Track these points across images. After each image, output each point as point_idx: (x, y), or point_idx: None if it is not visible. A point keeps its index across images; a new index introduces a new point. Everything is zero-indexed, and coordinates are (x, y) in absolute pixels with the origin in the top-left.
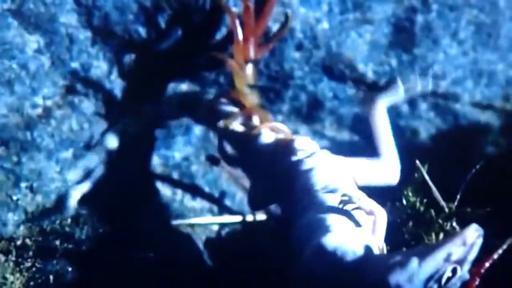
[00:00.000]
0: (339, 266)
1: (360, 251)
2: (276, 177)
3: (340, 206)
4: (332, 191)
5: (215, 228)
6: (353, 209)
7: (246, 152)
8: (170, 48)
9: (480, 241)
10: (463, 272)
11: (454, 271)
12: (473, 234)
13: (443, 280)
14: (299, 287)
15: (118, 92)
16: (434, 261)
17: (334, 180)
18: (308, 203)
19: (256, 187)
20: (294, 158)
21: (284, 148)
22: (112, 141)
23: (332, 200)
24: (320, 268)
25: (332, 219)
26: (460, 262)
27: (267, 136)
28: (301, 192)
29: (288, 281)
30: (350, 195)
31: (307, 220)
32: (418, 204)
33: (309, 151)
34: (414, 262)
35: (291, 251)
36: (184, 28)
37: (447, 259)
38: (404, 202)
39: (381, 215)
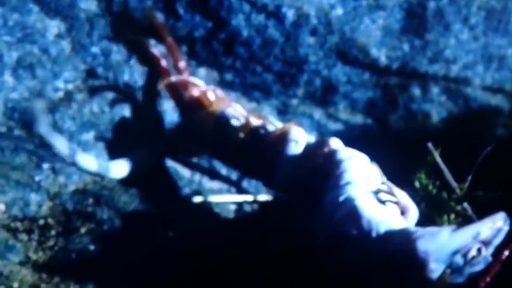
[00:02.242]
0: (371, 231)
1: (393, 225)
2: (310, 166)
3: (377, 193)
4: (369, 179)
5: (233, 207)
6: (389, 200)
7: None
8: (188, 34)
9: (506, 228)
10: (487, 254)
11: (479, 250)
12: (501, 220)
13: (469, 257)
14: (325, 245)
15: (137, 76)
16: (464, 236)
17: (372, 174)
18: (345, 182)
19: (285, 172)
20: (335, 147)
21: (322, 142)
22: (132, 124)
23: (369, 185)
24: (352, 229)
25: (367, 196)
26: (487, 243)
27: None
28: (338, 176)
29: (313, 240)
30: (391, 186)
31: (343, 192)
32: (430, 187)
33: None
34: (445, 233)
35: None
36: (201, 14)
37: (475, 237)
38: (417, 184)
39: (413, 213)
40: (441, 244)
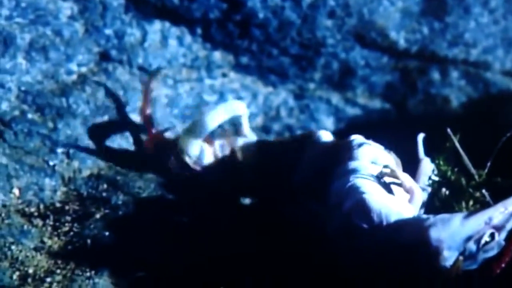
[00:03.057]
0: (381, 222)
1: (403, 214)
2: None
3: (380, 176)
4: (376, 164)
5: None
6: (392, 182)
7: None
8: (202, 16)
9: None
10: (500, 238)
11: (492, 236)
12: None
13: (482, 243)
14: (336, 236)
15: (151, 59)
16: (476, 222)
17: (381, 158)
18: (351, 169)
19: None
20: (351, 138)
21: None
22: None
23: (374, 170)
24: (362, 222)
25: (372, 184)
26: (499, 228)
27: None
28: (345, 164)
29: (322, 233)
30: (393, 168)
31: (349, 180)
32: (449, 173)
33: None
34: (457, 220)
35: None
36: None
37: (488, 223)
38: (436, 171)
39: (418, 196)
40: (453, 231)
